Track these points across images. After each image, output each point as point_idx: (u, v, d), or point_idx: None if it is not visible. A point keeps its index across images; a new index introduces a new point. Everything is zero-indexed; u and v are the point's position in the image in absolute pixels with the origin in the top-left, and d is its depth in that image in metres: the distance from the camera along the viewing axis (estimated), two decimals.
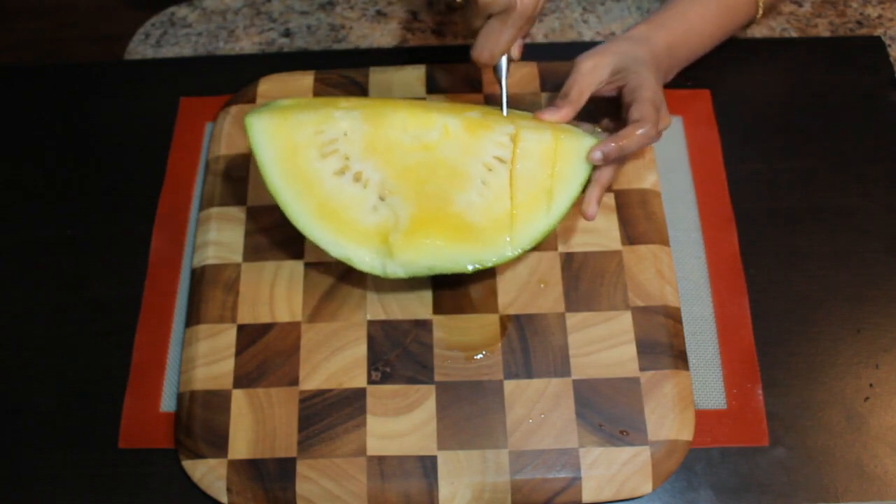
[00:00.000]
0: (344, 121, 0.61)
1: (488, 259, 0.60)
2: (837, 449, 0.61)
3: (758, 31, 0.81)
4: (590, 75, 0.64)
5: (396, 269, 0.60)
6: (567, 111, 0.63)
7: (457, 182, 0.61)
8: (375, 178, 0.61)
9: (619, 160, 0.63)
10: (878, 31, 0.80)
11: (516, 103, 0.74)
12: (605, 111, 0.68)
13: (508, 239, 0.60)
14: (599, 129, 0.66)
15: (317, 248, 0.62)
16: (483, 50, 0.62)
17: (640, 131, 0.61)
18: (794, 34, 0.81)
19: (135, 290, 0.69)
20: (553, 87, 0.75)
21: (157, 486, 0.62)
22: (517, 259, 0.64)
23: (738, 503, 0.60)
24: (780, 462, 0.61)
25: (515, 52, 0.65)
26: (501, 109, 0.65)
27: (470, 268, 0.60)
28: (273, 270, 0.67)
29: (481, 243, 0.60)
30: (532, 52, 0.80)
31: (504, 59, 0.64)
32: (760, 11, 0.75)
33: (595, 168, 0.62)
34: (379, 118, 0.61)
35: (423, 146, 0.61)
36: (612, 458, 0.59)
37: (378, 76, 0.76)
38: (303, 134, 0.61)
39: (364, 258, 0.60)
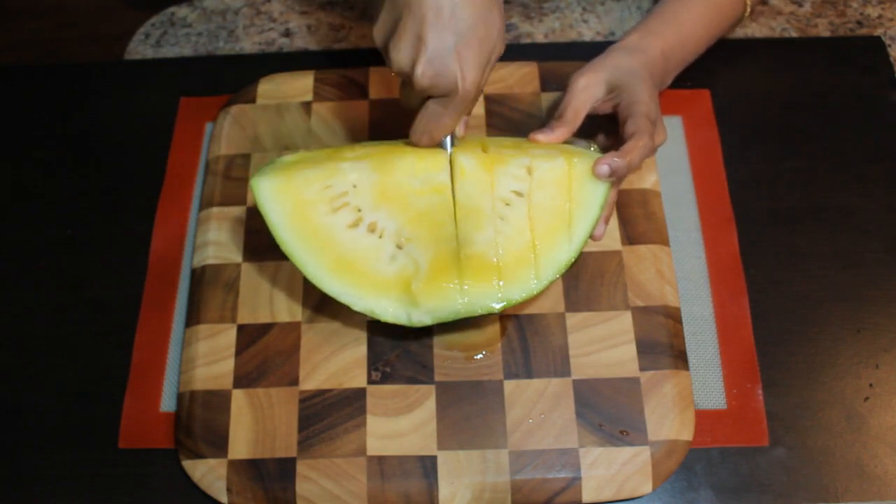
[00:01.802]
0: (352, 172, 0.59)
1: (514, 296, 0.57)
2: (837, 449, 0.61)
3: (758, 31, 0.81)
4: (584, 93, 0.63)
5: (422, 318, 0.57)
6: (561, 132, 0.61)
7: (474, 221, 0.59)
8: (390, 226, 0.59)
9: (624, 176, 0.61)
10: (878, 31, 0.80)
11: (516, 103, 0.74)
12: (601, 127, 0.68)
13: (533, 274, 0.58)
14: (595, 146, 0.65)
15: None
16: (423, 134, 0.58)
17: (639, 144, 0.60)
18: (794, 34, 0.81)
19: (135, 290, 0.69)
20: (553, 87, 0.74)
21: (157, 486, 0.62)
22: (545, 290, 0.61)
23: (738, 503, 0.60)
24: (780, 462, 0.61)
25: (460, 129, 0.60)
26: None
27: (497, 307, 0.57)
28: (273, 270, 0.67)
29: (505, 280, 0.57)
30: (532, 52, 0.80)
31: (448, 138, 0.60)
32: (748, 10, 0.75)
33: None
34: (387, 165, 0.60)
35: (434, 189, 0.59)
36: (612, 458, 0.59)
37: (378, 76, 0.76)
38: (311, 190, 0.59)
39: (388, 309, 0.58)
